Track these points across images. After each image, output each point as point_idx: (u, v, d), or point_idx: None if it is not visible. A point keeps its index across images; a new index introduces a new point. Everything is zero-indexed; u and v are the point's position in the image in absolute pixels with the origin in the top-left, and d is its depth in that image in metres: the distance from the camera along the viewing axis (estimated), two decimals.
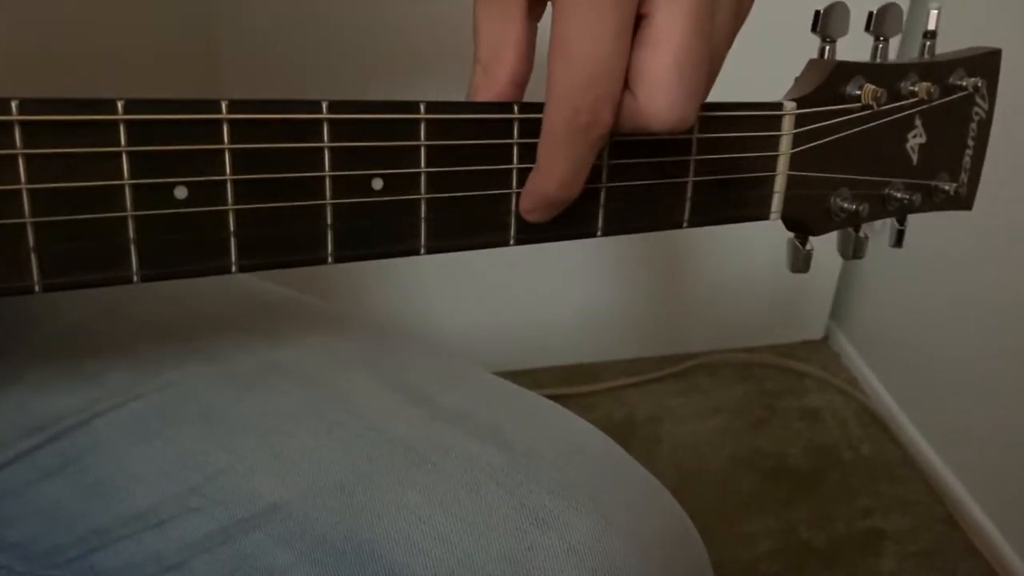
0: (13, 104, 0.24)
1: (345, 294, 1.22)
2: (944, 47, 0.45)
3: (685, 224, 0.35)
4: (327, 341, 0.48)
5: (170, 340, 0.46)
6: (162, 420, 0.44)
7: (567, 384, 1.34)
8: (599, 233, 0.34)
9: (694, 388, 1.38)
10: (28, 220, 0.25)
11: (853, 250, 0.45)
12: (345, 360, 0.47)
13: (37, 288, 0.26)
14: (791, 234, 0.42)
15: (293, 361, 0.46)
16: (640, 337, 1.41)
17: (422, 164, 0.30)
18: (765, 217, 0.37)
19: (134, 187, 0.26)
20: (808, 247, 0.43)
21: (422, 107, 0.29)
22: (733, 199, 0.36)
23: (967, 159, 0.47)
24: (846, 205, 0.40)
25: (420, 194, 0.30)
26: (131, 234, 0.27)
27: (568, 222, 0.33)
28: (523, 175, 0.31)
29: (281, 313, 0.50)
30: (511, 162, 0.31)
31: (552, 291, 1.34)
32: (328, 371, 0.46)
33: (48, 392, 0.45)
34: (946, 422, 1.24)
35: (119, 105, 0.25)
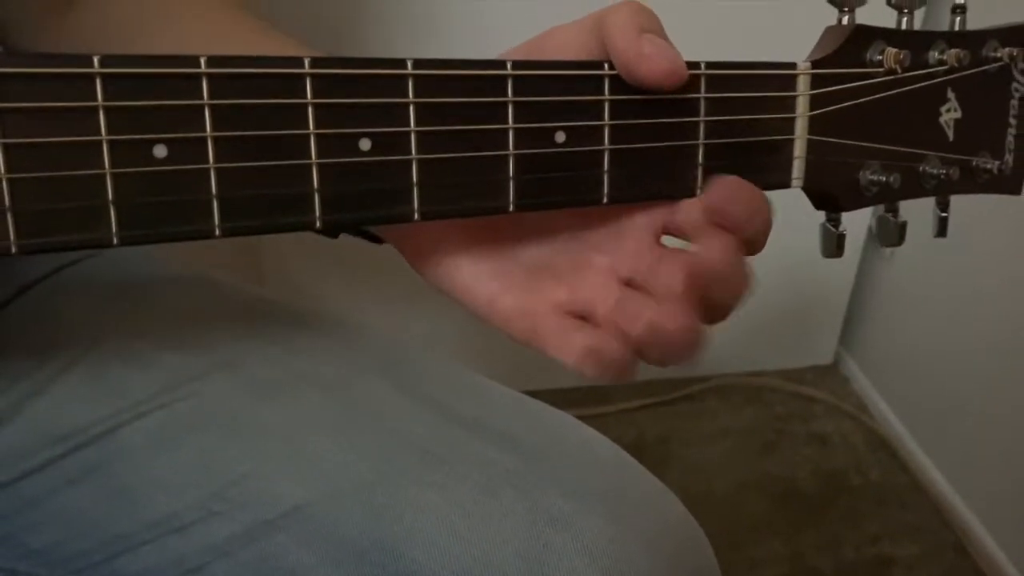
0: None
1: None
2: (975, 25, 0.43)
3: (699, 191, 0.33)
4: (345, 351, 0.49)
5: (193, 351, 0.47)
6: (186, 428, 0.45)
7: (577, 405, 1.32)
8: (605, 200, 0.32)
9: (703, 411, 1.37)
10: (4, 176, 0.25)
11: (894, 236, 0.42)
12: (363, 369, 0.47)
13: (13, 249, 0.25)
14: (822, 218, 0.40)
15: (313, 370, 0.47)
16: None
17: (411, 123, 0.29)
18: (787, 184, 0.35)
19: (112, 144, 0.26)
20: (841, 229, 0.40)
21: (409, 63, 0.29)
22: (750, 164, 0.34)
23: (1010, 139, 0.44)
24: (876, 178, 0.38)
25: (411, 155, 0.29)
26: (109, 194, 0.26)
27: (572, 187, 0.32)
28: (519, 135, 0.30)
29: (301, 325, 0.51)
30: (506, 121, 0.30)
31: None
32: (347, 379, 0.46)
33: (73, 403, 0.46)
34: (955, 448, 1.20)
35: (95, 59, 0.25)
